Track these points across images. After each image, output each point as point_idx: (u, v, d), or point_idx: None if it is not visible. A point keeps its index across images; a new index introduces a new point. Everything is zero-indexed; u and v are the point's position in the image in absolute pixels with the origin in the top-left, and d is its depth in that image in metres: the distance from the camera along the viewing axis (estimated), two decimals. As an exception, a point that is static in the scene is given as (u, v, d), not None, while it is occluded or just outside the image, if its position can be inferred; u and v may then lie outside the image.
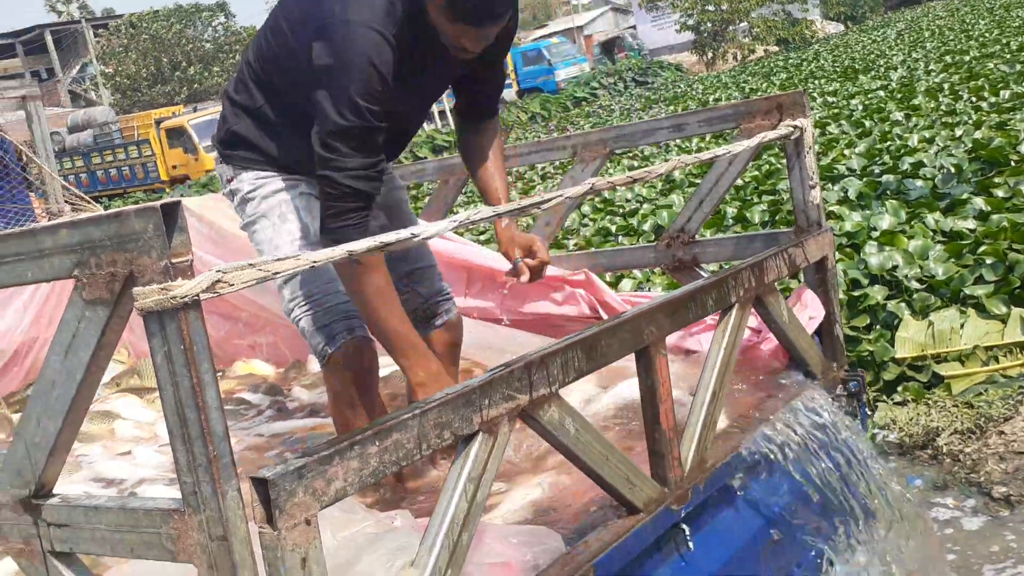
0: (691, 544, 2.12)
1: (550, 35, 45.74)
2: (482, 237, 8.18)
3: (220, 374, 3.80)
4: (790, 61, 28.69)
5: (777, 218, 6.78)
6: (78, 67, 54.92)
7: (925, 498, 3.84)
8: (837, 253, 4.61)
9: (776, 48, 37.38)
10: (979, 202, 5.97)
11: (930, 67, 16.31)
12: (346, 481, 1.44)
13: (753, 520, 2.30)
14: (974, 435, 4.08)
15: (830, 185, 7.41)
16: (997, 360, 4.45)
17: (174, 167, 28.31)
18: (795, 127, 2.77)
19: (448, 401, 1.61)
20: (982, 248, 5.17)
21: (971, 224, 5.69)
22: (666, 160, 2.32)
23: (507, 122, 28.02)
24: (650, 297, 3.52)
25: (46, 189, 7.60)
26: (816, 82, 19.14)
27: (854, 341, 4.69)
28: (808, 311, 2.79)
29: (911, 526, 2.74)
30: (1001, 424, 4.03)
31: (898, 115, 10.80)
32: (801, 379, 2.68)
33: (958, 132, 8.65)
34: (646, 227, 7.56)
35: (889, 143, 8.98)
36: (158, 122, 29.59)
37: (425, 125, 28.90)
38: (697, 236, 3.31)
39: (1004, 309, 4.65)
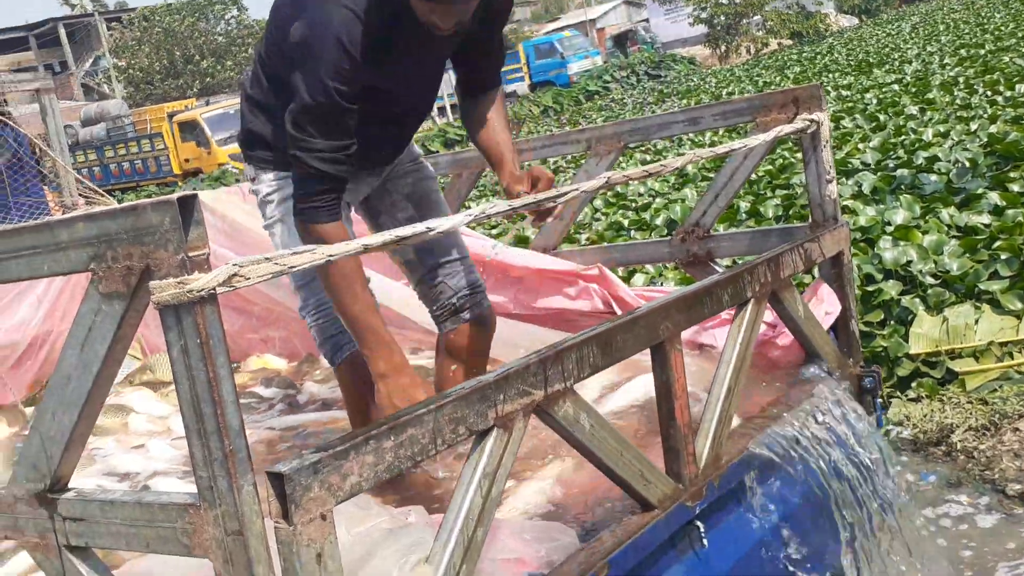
0: (705, 541, 2.11)
1: (562, 28, 45.62)
2: (494, 231, 8.18)
3: (234, 368, 3.80)
4: (804, 55, 28.56)
5: (791, 212, 6.75)
6: (91, 60, 55.06)
7: (939, 495, 3.82)
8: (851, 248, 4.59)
9: (790, 41, 37.23)
10: (994, 197, 5.93)
11: (945, 61, 16.22)
12: (361, 476, 1.43)
13: (767, 517, 2.29)
14: (988, 432, 4.05)
15: (844, 179, 7.37)
16: (1012, 356, 4.42)
17: (186, 160, 28.36)
18: (812, 121, 2.75)
19: (463, 396, 1.60)
20: (997, 243, 5.14)
21: (986, 219, 5.66)
22: (679, 154, 2.31)
23: (519, 116, 27.98)
24: (664, 292, 3.51)
25: (60, 182, 7.62)
26: (830, 76, 19.07)
27: (868, 336, 4.67)
28: (824, 306, 2.78)
29: (921, 526, 2.73)
30: (1016, 421, 4.01)
31: (913, 109, 10.74)
32: (817, 375, 2.66)
33: (973, 126, 8.60)
34: (659, 221, 7.53)
35: (904, 137, 8.94)
36: (171, 116, 29.66)
37: (437, 119, 28.92)
38: (711, 231, 3.30)
39: (1019, 305, 4.63)
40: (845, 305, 2.84)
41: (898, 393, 4.54)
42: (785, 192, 7.54)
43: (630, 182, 2.32)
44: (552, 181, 2.41)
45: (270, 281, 1.45)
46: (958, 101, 10.69)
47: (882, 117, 10.71)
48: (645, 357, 2.07)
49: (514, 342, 3.17)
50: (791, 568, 2.29)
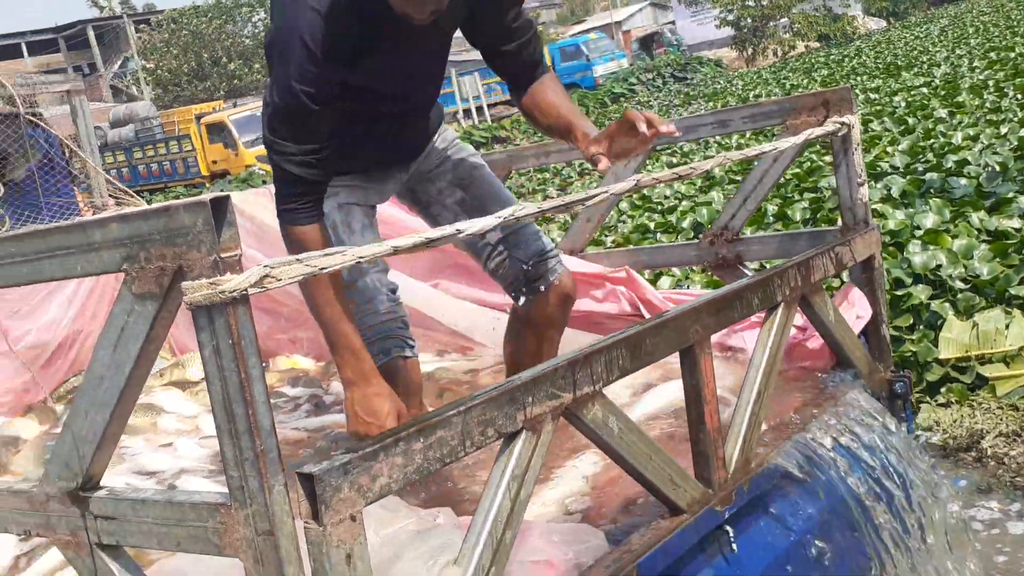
0: (735, 546, 2.10)
1: (588, 31, 45.57)
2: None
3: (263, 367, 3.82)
4: (831, 57, 28.41)
5: (819, 216, 6.72)
6: (119, 62, 55.52)
7: (969, 501, 3.79)
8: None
9: (817, 44, 37.05)
10: (1024, 201, 5.88)
11: (974, 64, 16.08)
12: (391, 477, 1.43)
13: (797, 523, 2.27)
14: (1019, 438, 4.02)
15: (873, 183, 7.32)
16: (1044, 362, 4.38)
17: (214, 162, 28.53)
18: (843, 124, 2.73)
19: (492, 399, 1.60)
20: (1028, 247, 5.09)
21: (1016, 223, 5.61)
22: (707, 157, 2.29)
23: (544, 118, 27.90)
24: (691, 295, 3.49)
25: (90, 183, 7.68)
26: (858, 79, 18.95)
27: (897, 341, 4.63)
28: (855, 310, 2.76)
29: (954, 531, 2.70)
30: (1048, 427, 3.97)
31: (942, 112, 10.66)
32: (847, 379, 2.64)
33: (1003, 130, 8.52)
34: (685, 224, 7.51)
35: (933, 141, 8.87)
36: (198, 117, 29.85)
37: (462, 121, 28.95)
38: (740, 234, 3.29)
39: (1051, 310, 4.58)
40: (876, 309, 2.82)
41: (927, 398, 4.50)
42: (813, 195, 7.50)
43: (656, 185, 2.30)
44: (650, 121, 2.19)
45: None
46: (988, 104, 10.60)
47: (911, 120, 10.63)
48: (674, 360, 2.07)
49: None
50: (821, 574, 2.27)
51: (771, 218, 6.99)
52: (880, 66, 20.94)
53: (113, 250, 1.39)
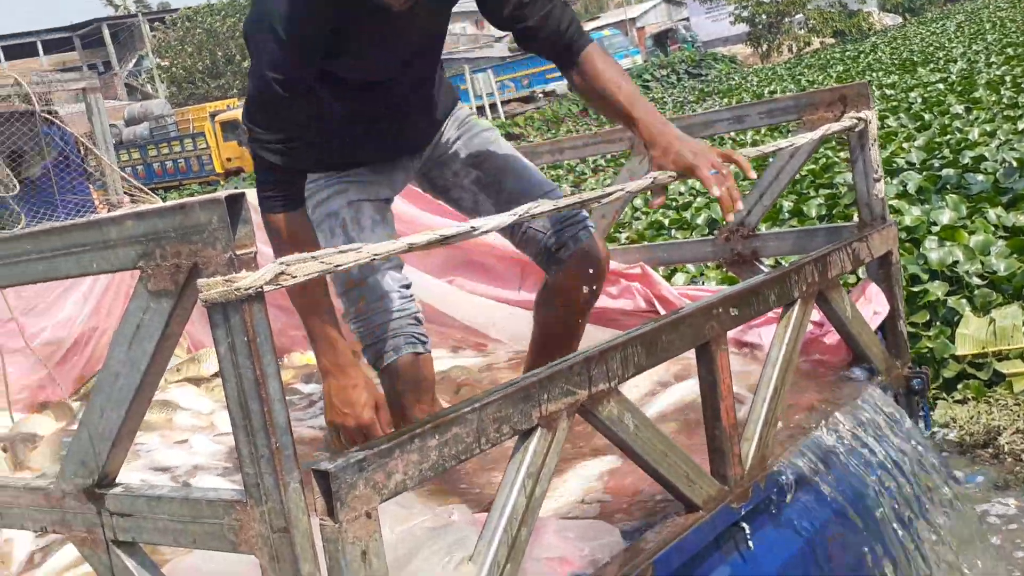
0: (751, 543, 2.09)
1: (602, 27, 45.50)
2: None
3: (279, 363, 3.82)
4: (847, 53, 28.31)
5: (835, 212, 6.69)
6: (134, 60, 55.78)
7: (986, 497, 3.77)
8: (898, 248, 4.54)
9: (832, 40, 36.94)
10: (1042, 197, 5.85)
11: (991, 59, 15.99)
12: (406, 474, 1.43)
13: (813, 520, 2.26)
14: (1037, 435, 3.99)
15: (889, 179, 7.28)
16: (1061, 358, 4.35)
17: (228, 160, 28.64)
18: (860, 119, 2.72)
19: (508, 395, 1.60)
20: (1046, 244, 5.06)
21: (1034, 220, 5.58)
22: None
23: (558, 115, 27.96)
24: (707, 291, 3.48)
25: (105, 180, 7.71)
26: (874, 75, 18.88)
27: (913, 338, 4.61)
28: (872, 305, 2.75)
29: (970, 528, 2.69)
30: (1066, 424, 3.95)
31: (958, 108, 10.59)
32: (864, 376, 2.63)
33: (1020, 126, 8.47)
34: (700, 221, 7.49)
35: (949, 137, 8.82)
36: (213, 115, 29.97)
37: (489, 115, 28.94)
38: (756, 230, 3.28)
39: (1069, 306, 4.55)
40: (893, 305, 2.81)
41: (944, 395, 4.48)
42: (828, 191, 7.47)
43: (672, 182, 2.29)
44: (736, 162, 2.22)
45: (312, 279, 1.45)
46: (1005, 100, 10.53)
47: (927, 116, 10.57)
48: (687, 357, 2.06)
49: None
50: (837, 571, 2.26)
51: (786, 214, 6.97)
52: (896, 62, 20.85)
53: (129, 247, 1.38)
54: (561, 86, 36.05)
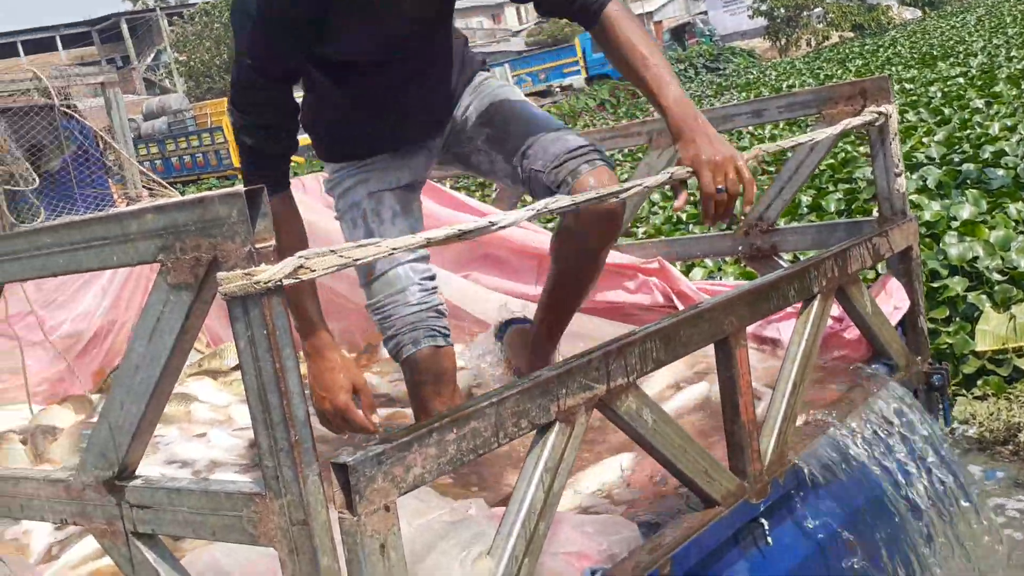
0: (770, 539, 2.08)
1: (620, 21, 45.23)
2: (550, 225, 8.14)
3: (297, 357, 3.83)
4: (866, 47, 28.17)
5: (853, 207, 6.66)
6: (152, 55, 55.98)
7: (1006, 494, 3.74)
8: (917, 243, 4.52)
9: (851, 34, 36.75)
10: (1063, 192, 5.80)
11: (1012, 54, 15.88)
12: (424, 468, 1.43)
13: (832, 516, 2.25)
14: (1058, 431, 3.97)
15: (908, 174, 7.25)
16: (1082, 355, 4.33)
17: (246, 154, 28.64)
18: (880, 113, 2.70)
19: (526, 390, 1.60)
20: (1067, 239, 5.03)
21: (1055, 215, 5.54)
22: (740, 148, 2.25)
23: (575, 109, 27.91)
24: (725, 286, 3.47)
25: (124, 174, 7.74)
26: (893, 69, 18.77)
27: (933, 333, 4.58)
28: (893, 300, 2.73)
29: (988, 526, 2.67)
30: (1086, 421, 3.92)
31: (978, 103, 10.53)
32: (883, 371, 2.61)
33: (1041, 120, 8.42)
34: (718, 215, 7.45)
35: (969, 131, 8.76)
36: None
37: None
38: (775, 224, 3.26)
39: (1090, 302, 4.52)
40: (914, 301, 2.79)
41: (964, 391, 4.46)
42: (847, 186, 7.43)
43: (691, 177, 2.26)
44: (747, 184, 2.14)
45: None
46: (1026, 94, 10.47)
47: (947, 111, 10.51)
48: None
49: (573, 334, 3.15)
50: (855, 568, 2.25)
51: (805, 209, 6.94)
52: (915, 56, 20.73)
53: (149, 241, 1.39)
54: (578, 80, 36.02)
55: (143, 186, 7.67)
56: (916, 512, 2.39)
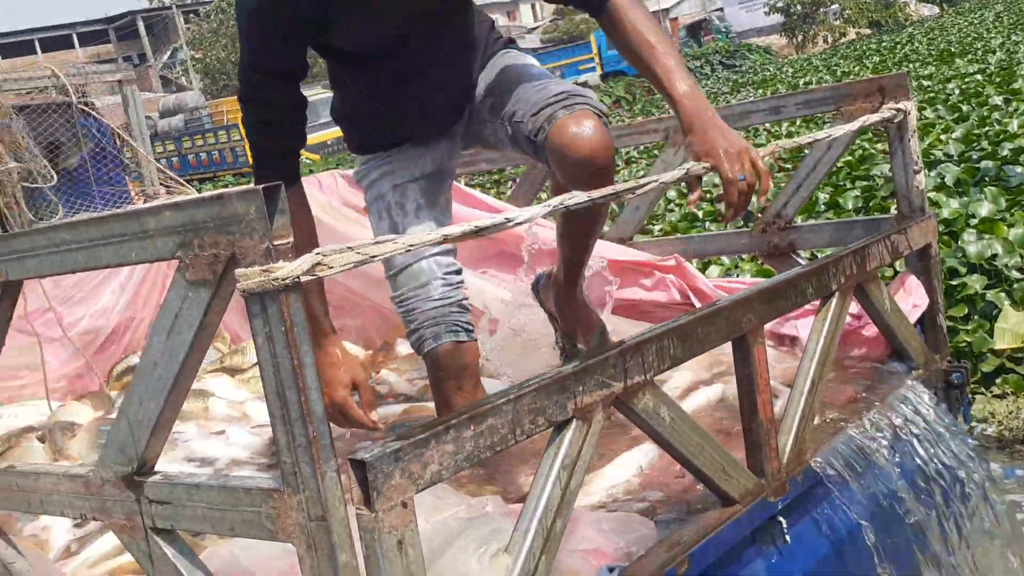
0: (787, 537, 2.08)
1: (635, 18, 45.16)
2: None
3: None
4: (883, 44, 28.03)
5: (871, 204, 6.63)
6: (169, 53, 56.17)
7: (1025, 493, 3.72)
8: (935, 241, 4.49)
9: (868, 31, 36.57)
10: (1083, 189, 5.76)
11: (1031, 50, 15.78)
12: (441, 465, 1.43)
13: (850, 515, 2.24)
14: (1077, 430, 3.94)
15: (926, 171, 7.20)
16: (1102, 353, 4.30)
17: (262, 151, 28.72)
18: (899, 110, 2.68)
19: (543, 387, 1.59)
20: (1086, 237, 4.99)
21: (1075, 212, 5.50)
22: (757, 145, 2.23)
23: (591, 106, 27.82)
24: (743, 283, 3.46)
25: (141, 172, 7.78)
26: (911, 65, 18.67)
27: (952, 332, 4.56)
28: (912, 298, 2.71)
29: (1008, 525, 2.65)
30: (1107, 419, 3.89)
31: (997, 99, 10.45)
32: (902, 369, 2.60)
33: (1061, 117, 8.36)
34: (734, 212, 7.43)
35: (988, 128, 8.70)
36: (247, 107, 30.06)
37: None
38: (792, 222, 3.25)
39: (1110, 300, 4.49)
40: (933, 299, 2.78)
41: (983, 389, 4.43)
42: (865, 183, 7.40)
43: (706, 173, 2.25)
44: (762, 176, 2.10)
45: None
46: (1045, 91, 10.39)
47: (965, 108, 10.44)
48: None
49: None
50: (874, 567, 2.24)
51: (822, 206, 6.91)
52: (933, 53, 20.61)
53: (167, 237, 1.39)
54: (593, 77, 35.96)
55: (160, 183, 7.71)
56: (936, 510, 2.38)
